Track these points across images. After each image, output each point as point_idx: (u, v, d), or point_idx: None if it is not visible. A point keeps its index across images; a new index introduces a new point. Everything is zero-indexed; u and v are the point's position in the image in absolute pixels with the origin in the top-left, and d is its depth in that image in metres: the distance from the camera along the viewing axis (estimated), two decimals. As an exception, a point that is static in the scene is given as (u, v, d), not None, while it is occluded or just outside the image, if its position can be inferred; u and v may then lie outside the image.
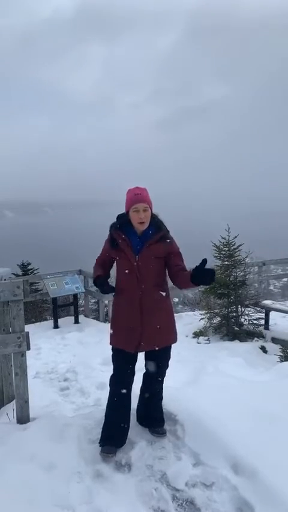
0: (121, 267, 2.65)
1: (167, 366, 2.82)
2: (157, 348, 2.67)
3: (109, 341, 2.74)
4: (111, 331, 2.73)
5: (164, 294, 2.67)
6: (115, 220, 2.71)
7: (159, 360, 2.76)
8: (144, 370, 2.84)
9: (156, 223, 2.65)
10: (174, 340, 2.76)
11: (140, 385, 2.90)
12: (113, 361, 2.74)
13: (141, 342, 2.60)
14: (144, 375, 2.86)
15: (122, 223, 2.65)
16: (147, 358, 2.79)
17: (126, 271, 2.60)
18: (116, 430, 2.69)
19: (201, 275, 2.32)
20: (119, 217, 2.71)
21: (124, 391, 2.70)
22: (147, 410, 2.89)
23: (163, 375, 2.84)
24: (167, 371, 2.84)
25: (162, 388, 2.89)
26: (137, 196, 2.57)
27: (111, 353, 2.74)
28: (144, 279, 2.57)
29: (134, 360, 2.71)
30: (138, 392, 2.92)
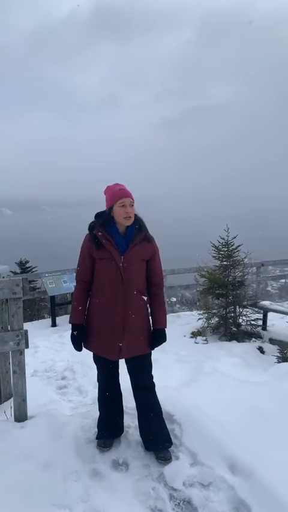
0: (104, 267, 2.48)
1: (151, 374, 2.66)
2: (138, 355, 2.54)
3: (84, 344, 2.60)
4: (89, 336, 2.58)
5: (145, 298, 2.57)
6: (94, 219, 2.57)
7: (141, 368, 2.61)
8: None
9: (137, 221, 2.53)
10: (151, 347, 2.62)
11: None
12: (94, 361, 2.69)
13: (121, 349, 2.48)
14: (133, 390, 2.67)
15: (104, 222, 2.50)
16: (128, 368, 2.64)
17: (110, 272, 2.45)
18: (108, 420, 2.70)
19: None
20: (99, 215, 2.57)
21: (111, 385, 2.70)
22: (148, 429, 2.64)
23: (151, 384, 2.64)
24: (166, 371, 2.83)
25: (156, 401, 2.65)
26: (123, 191, 2.46)
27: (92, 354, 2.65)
28: (129, 281, 2.45)
29: (116, 361, 2.64)
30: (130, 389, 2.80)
